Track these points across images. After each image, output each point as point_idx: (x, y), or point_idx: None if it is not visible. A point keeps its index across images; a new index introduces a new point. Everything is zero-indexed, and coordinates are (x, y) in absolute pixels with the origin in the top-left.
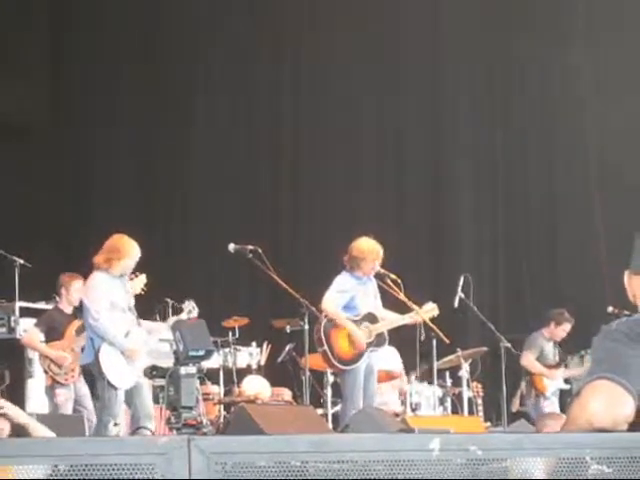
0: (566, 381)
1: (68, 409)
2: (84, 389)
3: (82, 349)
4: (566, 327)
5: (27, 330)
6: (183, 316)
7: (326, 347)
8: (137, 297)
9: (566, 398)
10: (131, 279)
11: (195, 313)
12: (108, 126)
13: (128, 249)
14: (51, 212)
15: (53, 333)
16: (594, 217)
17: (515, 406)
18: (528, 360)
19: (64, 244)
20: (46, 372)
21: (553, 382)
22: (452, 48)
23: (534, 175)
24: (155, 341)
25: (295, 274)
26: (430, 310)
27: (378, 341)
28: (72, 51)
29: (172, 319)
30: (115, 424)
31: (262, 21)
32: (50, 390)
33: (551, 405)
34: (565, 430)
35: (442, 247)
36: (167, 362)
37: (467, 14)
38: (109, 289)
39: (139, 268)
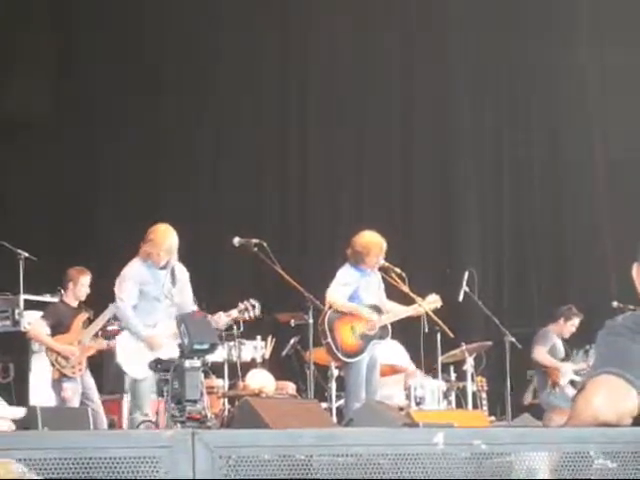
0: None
1: (75, 403)
2: (91, 381)
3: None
4: (575, 322)
5: (33, 323)
6: (233, 313)
7: (330, 339)
8: None
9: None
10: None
11: (254, 313)
12: (112, 123)
13: (158, 237)
14: (55, 206)
15: (59, 326)
16: (599, 213)
17: (527, 400)
18: (541, 354)
19: (68, 238)
20: (53, 365)
21: (566, 375)
22: (458, 49)
23: (540, 172)
24: None
25: (300, 268)
26: (433, 302)
27: (382, 333)
28: (77, 48)
29: (219, 315)
30: (145, 414)
31: (266, 20)
32: (57, 384)
33: (567, 397)
34: (569, 424)
35: (447, 242)
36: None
37: (472, 15)
38: (141, 278)
39: None
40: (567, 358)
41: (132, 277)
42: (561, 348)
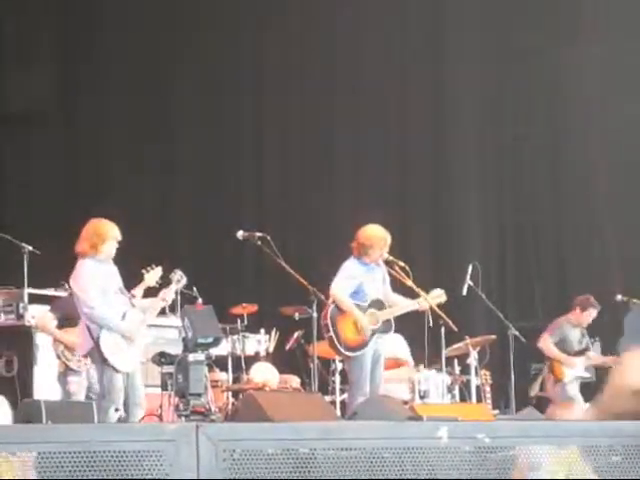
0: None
1: (80, 397)
2: (97, 375)
3: None
4: (592, 313)
5: (40, 315)
6: (172, 287)
7: (332, 333)
8: (148, 288)
9: (588, 388)
10: (147, 271)
11: (184, 281)
12: (114, 119)
13: (109, 231)
14: (60, 199)
15: (66, 320)
16: (601, 205)
17: (534, 391)
18: (545, 343)
19: (73, 231)
20: (59, 358)
21: (572, 369)
22: (457, 46)
23: (541, 164)
24: (153, 317)
25: (303, 262)
26: (437, 296)
27: (384, 327)
28: (78, 43)
29: (164, 292)
30: (116, 410)
31: (263, 18)
32: (63, 377)
33: (569, 392)
34: (607, 395)
35: (450, 235)
36: (175, 349)
37: (472, 11)
38: (98, 275)
39: (148, 257)
40: (585, 352)
41: (91, 276)
42: (575, 341)
